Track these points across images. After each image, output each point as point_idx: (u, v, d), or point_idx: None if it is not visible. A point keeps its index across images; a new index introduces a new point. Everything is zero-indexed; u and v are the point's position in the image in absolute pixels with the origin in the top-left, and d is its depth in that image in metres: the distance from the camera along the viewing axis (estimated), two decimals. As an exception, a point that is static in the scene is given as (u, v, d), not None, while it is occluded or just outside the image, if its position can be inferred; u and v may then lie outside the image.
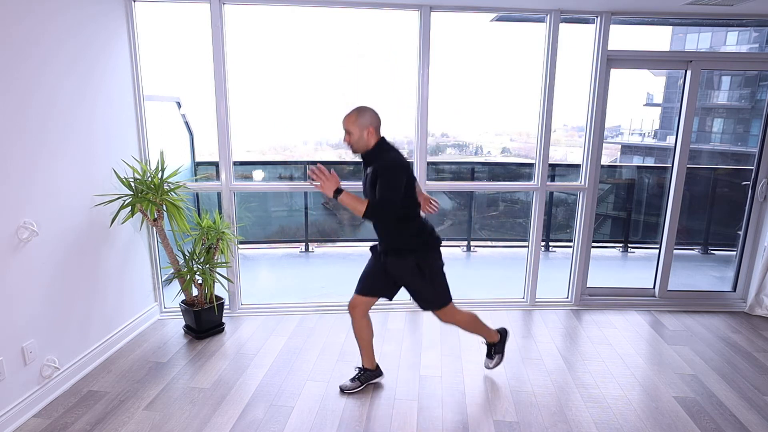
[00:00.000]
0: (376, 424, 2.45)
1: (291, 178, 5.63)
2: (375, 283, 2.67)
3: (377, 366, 2.82)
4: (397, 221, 2.49)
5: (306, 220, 5.62)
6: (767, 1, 3.13)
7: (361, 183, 2.59)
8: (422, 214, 2.70)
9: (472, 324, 2.75)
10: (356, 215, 2.40)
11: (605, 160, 6.07)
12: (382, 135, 2.50)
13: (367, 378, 2.78)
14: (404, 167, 2.41)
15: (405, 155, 2.56)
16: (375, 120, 2.46)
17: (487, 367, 2.93)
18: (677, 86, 3.81)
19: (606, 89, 3.63)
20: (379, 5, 3.37)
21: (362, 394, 2.72)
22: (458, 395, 2.71)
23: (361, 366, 2.79)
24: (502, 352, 2.90)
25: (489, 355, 2.91)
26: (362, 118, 2.43)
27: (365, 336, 2.74)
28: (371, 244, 2.78)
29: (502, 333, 2.91)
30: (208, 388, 2.74)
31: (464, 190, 5.61)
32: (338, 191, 2.40)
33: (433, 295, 2.61)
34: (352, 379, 2.77)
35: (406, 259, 2.53)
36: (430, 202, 2.79)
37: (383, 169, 2.37)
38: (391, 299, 2.74)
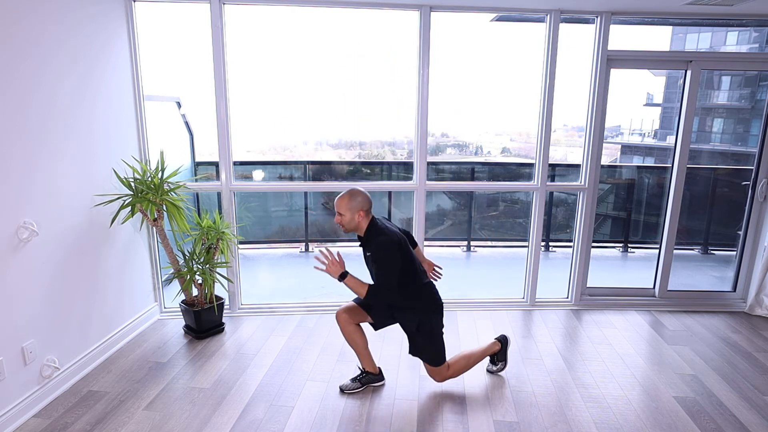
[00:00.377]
0: (376, 424, 2.45)
1: (291, 178, 5.62)
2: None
3: (380, 371, 2.83)
4: (400, 289, 2.58)
5: (306, 220, 5.61)
6: (767, 1, 3.13)
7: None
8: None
9: (468, 364, 2.79)
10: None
11: (605, 160, 6.06)
12: (372, 215, 2.60)
13: (368, 381, 2.79)
14: (396, 245, 2.50)
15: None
16: (366, 203, 2.54)
17: (489, 371, 2.95)
18: (677, 86, 3.81)
19: (606, 89, 3.63)
20: (379, 5, 3.37)
21: (362, 394, 2.72)
22: (458, 395, 2.71)
23: (362, 368, 2.80)
24: (504, 360, 2.93)
25: (492, 362, 2.95)
26: (353, 201, 2.52)
27: (358, 341, 2.74)
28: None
29: (503, 341, 2.93)
30: (208, 388, 2.74)
31: (464, 190, 5.61)
32: (343, 275, 2.51)
33: (429, 352, 2.69)
34: (353, 380, 2.77)
35: (409, 315, 2.65)
36: (434, 269, 2.93)
37: (377, 253, 2.49)
38: (376, 329, 2.79)
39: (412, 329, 2.66)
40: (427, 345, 2.67)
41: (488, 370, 2.96)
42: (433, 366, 2.70)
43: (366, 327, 2.78)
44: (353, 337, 2.72)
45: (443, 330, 2.71)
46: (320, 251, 2.53)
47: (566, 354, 3.18)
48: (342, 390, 2.73)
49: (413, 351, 2.72)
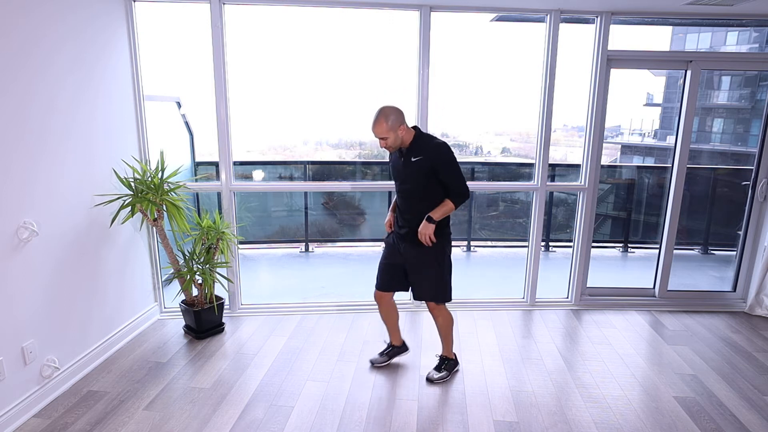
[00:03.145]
0: (376, 424, 2.45)
1: (291, 178, 5.62)
2: (393, 279, 2.82)
3: (403, 342, 3.08)
4: (436, 204, 2.60)
5: (306, 220, 5.61)
6: (767, 1, 3.13)
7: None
8: None
9: (448, 327, 2.84)
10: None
11: (605, 160, 6.06)
12: (414, 125, 2.63)
13: (395, 353, 3.05)
14: (450, 147, 2.58)
15: None
16: (401, 116, 2.55)
17: (430, 379, 2.84)
18: (677, 86, 3.81)
19: (606, 89, 3.63)
20: (379, 5, 3.37)
21: (362, 393, 2.72)
22: (458, 395, 2.71)
23: (389, 342, 3.05)
24: (450, 371, 2.88)
25: (438, 368, 2.88)
26: (390, 121, 2.50)
27: (392, 318, 2.97)
28: (376, 239, 2.83)
29: (456, 358, 2.96)
30: (208, 388, 2.74)
31: (464, 190, 5.60)
32: (431, 220, 2.54)
33: (443, 285, 2.72)
34: (381, 354, 3.03)
35: (440, 241, 2.64)
36: None
37: (441, 157, 2.51)
38: (407, 290, 2.87)
39: (431, 261, 2.65)
40: (443, 279, 2.70)
41: (429, 378, 2.84)
42: (440, 302, 2.73)
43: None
44: (389, 314, 2.93)
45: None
46: (422, 238, 2.55)
47: (566, 354, 3.18)
48: (372, 363, 2.98)
49: (427, 293, 2.72)
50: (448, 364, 2.90)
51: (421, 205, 2.59)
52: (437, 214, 2.53)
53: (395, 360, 3.07)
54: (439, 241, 2.63)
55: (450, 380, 2.86)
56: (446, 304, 2.77)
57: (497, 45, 4.48)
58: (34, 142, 2.46)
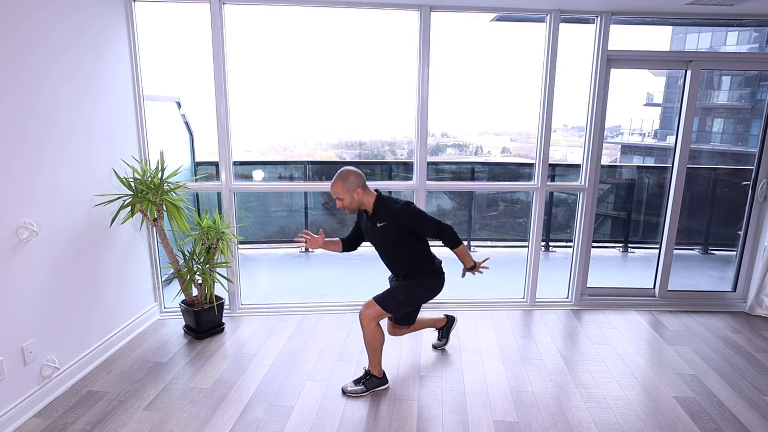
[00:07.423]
0: (376, 424, 2.45)
1: (291, 178, 5.62)
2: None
3: (447, 318, 3.23)
4: (411, 247, 2.68)
5: (306, 220, 5.61)
6: (767, 1, 3.13)
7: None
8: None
9: (373, 342, 2.68)
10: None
11: (605, 160, 6.05)
12: (376, 189, 2.69)
13: (447, 332, 3.23)
14: (413, 203, 2.66)
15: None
16: (360, 180, 2.61)
17: (343, 389, 2.72)
18: (677, 86, 3.81)
19: (606, 89, 3.63)
20: (379, 5, 3.37)
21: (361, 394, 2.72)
22: (458, 395, 2.71)
23: (438, 328, 3.24)
24: (369, 388, 2.71)
25: (357, 381, 2.73)
26: (347, 183, 2.58)
27: (421, 322, 3.09)
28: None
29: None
30: (208, 388, 2.74)
31: (464, 190, 5.61)
32: (472, 267, 2.74)
33: (393, 296, 2.67)
34: (438, 338, 3.23)
35: (414, 280, 2.72)
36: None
37: (412, 219, 2.59)
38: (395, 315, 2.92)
39: (410, 285, 2.70)
40: (401, 293, 2.68)
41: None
42: (380, 306, 2.61)
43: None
44: (377, 336, 2.67)
45: (422, 302, 2.80)
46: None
47: (566, 354, 3.18)
48: (435, 347, 3.16)
49: (379, 295, 2.68)
50: (369, 381, 2.72)
51: (402, 252, 2.69)
52: (466, 259, 2.72)
53: (396, 361, 3.07)
54: (425, 276, 2.72)
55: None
56: (387, 319, 2.73)
57: (497, 45, 4.47)
58: (34, 142, 2.46)
